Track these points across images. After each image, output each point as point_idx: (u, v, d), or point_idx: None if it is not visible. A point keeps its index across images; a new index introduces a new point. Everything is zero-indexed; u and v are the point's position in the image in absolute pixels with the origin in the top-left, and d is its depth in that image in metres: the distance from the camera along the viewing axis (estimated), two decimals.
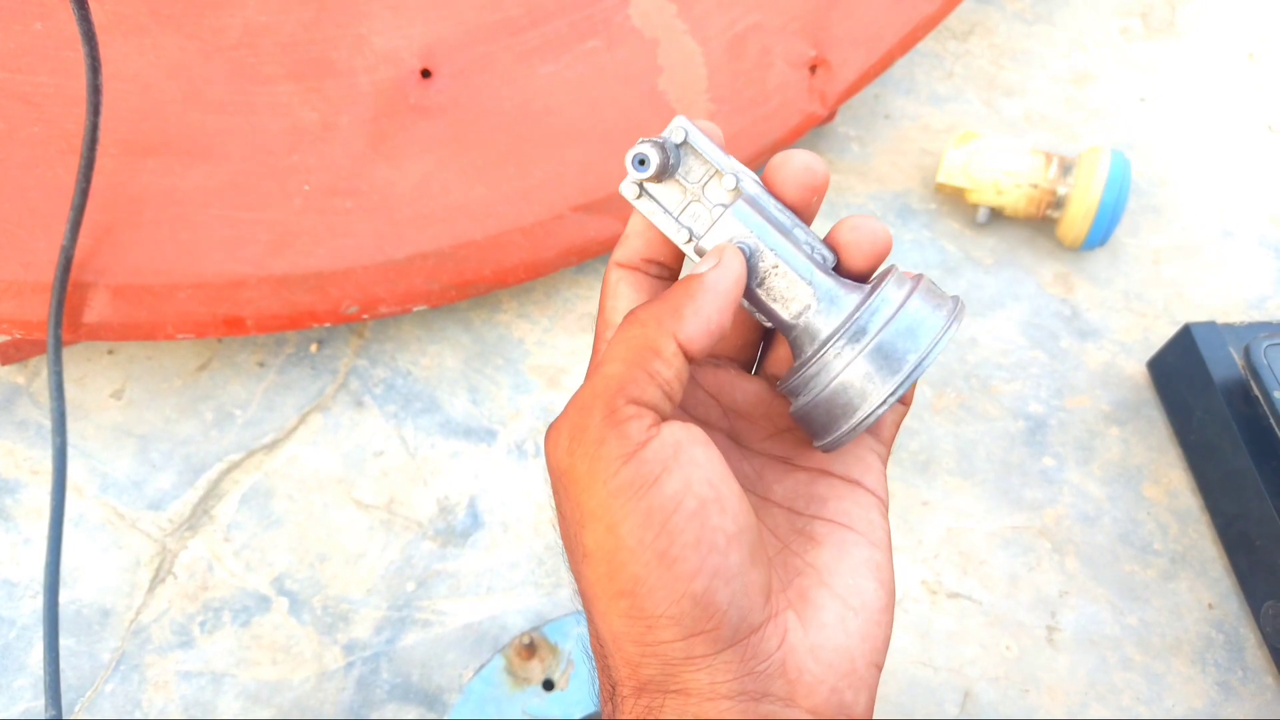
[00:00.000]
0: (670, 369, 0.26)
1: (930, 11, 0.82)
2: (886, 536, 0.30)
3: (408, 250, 0.74)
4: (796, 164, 0.30)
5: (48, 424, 0.71)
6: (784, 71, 0.81)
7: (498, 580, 0.66)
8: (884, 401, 0.28)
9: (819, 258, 0.30)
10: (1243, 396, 0.70)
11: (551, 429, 0.27)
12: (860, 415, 0.28)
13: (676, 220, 0.31)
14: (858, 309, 0.28)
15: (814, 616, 0.27)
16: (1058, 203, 0.78)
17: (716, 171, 0.30)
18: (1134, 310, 0.79)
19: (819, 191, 0.30)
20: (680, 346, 0.26)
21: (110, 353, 0.75)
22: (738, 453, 0.31)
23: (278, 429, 0.72)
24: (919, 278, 0.29)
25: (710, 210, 0.31)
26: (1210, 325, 0.72)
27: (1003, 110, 0.89)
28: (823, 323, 0.29)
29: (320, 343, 0.76)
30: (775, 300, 0.30)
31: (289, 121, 0.76)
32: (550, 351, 0.77)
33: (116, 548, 0.67)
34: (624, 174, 0.32)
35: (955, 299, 0.29)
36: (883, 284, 0.29)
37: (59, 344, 0.67)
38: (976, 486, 0.71)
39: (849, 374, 0.28)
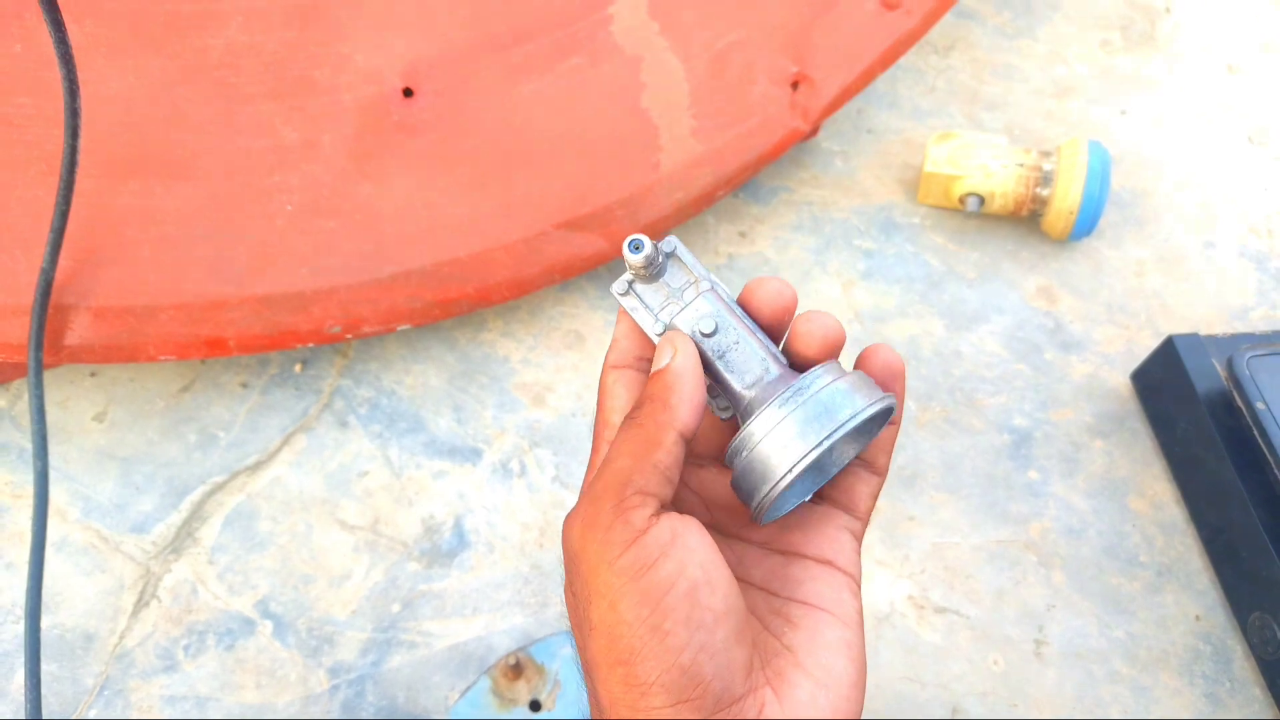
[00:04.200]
0: (670, 456, 0.30)
1: (911, 27, 0.82)
2: (858, 615, 0.33)
3: (391, 269, 0.74)
4: (769, 288, 0.34)
5: (29, 447, 0.71)
6: (766, 88, 0.81)
7: (483, 601, 0.66)
8: (791, 468, 0.30)
9: (774, 352, 0.34)
10: (1226, 408, 0.70)
11: (569, 516, 0.30)
12: (773, 480, 0.31)
13: (655, 317, 0.35)
14: (789, 385, 0.32)
15: (789, 694, 0.30)
16: (1045, 179, 0.79)
17: (695, 280, 0.35)
18: (1117, 322, 0.79)
19: (789, 310, 0.35)
20: (679, 434, 0.31)
21: (93, 375, 0.75)
22: (721, 541, 0.34)
23: (261, 450, 0.72)
24: (856, 371, 0.33)
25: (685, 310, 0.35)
26: (1193, 337, 0.73)
27: (985, 123, 0.89)
28: (770, 396, 0.32)
29: (304, 363, 0.76)
30: (733, 372, 0.34)
31: (271, 141, 0.76)
32: (535, 369, 0.76)
33: (100, 571, 0.67)
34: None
35: (888, 395, 0.32)
36: (816, 367, 0.32)
37: (40, 367, 0.67)
38: (962, 501, 0.71)
39: (768, 442, 0.31)
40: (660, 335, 0.35)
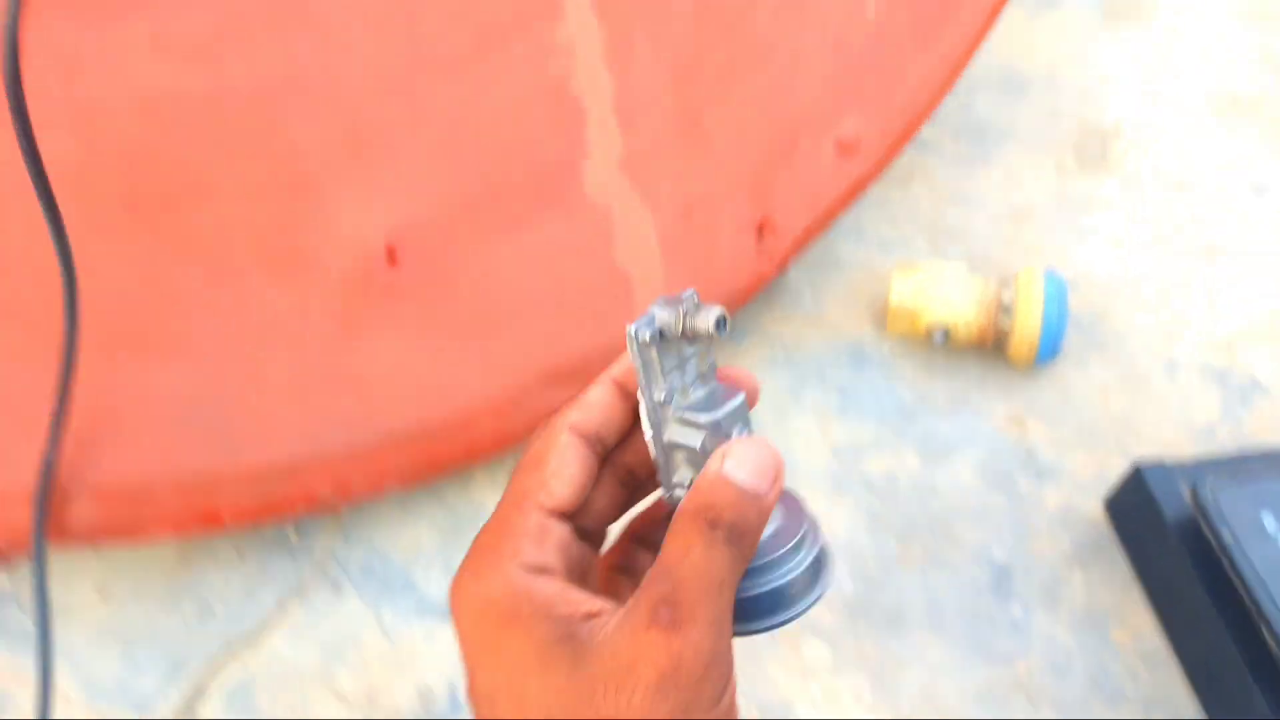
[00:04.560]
0: None
1: (866, 170, 0.86)
2: None
3: (378, 433, 0.77)
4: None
5: (33, 628, 0.72)
6: (733, 234, 0.85)
7: None
8: (811, 604, 0.33)
9: None
10: (1196, 536, 0.72)
11: (685, 633, 0.28)
12: (798, 609, 0.32)
13: (660, 383, 0.33)
14: (801, 524, 0.33)
15: None
16: (1005, 309, 0.82)
17: (703, 354, 0.34)
18: (1087, 447, 0.81)
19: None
20: None
21: (94, 550, 0.77)
22: None
23: (258, 621, 0.73)
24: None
25: (687, 386, 0.34)
26: (1160, 466, 0.75)
27: (947, 252, 0.93)
28: (787, 525, 0.34)
29: (298, 528, 0.78)
30: None
31: (261, 312, 0.79)
32: None
33: None
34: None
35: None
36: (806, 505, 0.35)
37: (43, 555, 0.68)
38: (948, 640, 0.72)
39: (800, 573, 0.32)
40: (661, 404, 0.33)
